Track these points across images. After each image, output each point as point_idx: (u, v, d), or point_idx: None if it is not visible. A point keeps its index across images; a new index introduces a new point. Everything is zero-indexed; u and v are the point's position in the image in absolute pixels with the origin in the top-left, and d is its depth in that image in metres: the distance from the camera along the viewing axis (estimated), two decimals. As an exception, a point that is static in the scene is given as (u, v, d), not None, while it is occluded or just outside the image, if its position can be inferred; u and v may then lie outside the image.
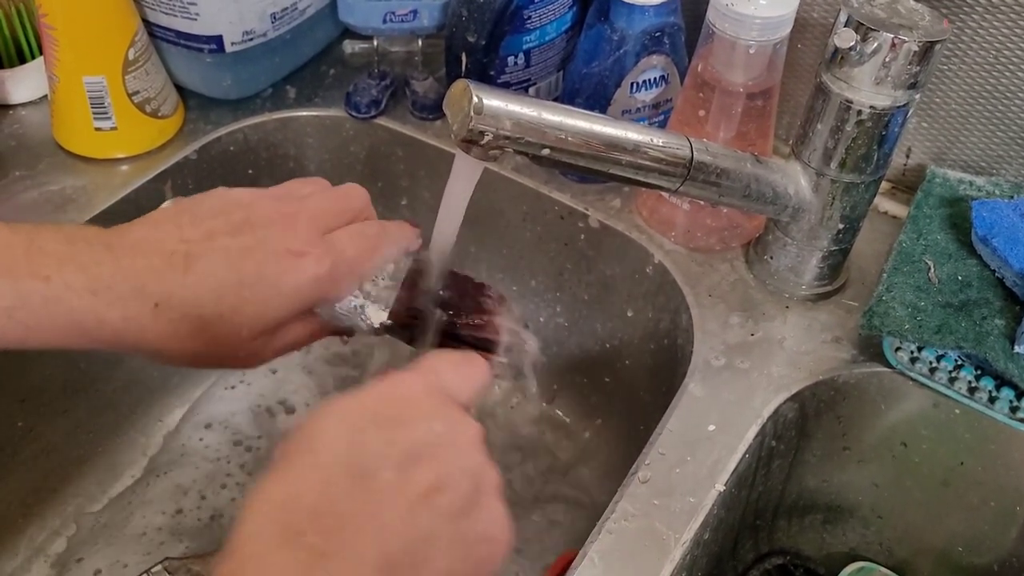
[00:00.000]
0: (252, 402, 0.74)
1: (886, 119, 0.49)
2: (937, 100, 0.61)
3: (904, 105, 0.49)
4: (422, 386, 0.35)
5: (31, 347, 0.40)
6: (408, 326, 0.44)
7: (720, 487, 0.49)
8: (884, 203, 0.65)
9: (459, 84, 0.40)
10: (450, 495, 0.32)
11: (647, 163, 0.45)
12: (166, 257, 0.39)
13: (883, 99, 0.48)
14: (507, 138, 0.40)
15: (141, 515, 0.67)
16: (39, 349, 0.40)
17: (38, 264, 0.38)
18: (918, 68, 0.47)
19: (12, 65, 0.68)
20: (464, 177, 0.43)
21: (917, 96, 0.49)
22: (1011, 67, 0.57)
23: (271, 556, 0.29)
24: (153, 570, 0.62)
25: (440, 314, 0.44)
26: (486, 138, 0.40)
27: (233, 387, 0.75)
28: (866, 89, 0.48)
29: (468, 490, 0.33)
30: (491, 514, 0.35)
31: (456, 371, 0.37)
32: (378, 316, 0.43)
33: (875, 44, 0.47)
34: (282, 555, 0.29)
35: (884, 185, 0.66)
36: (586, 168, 0.44)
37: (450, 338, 0.45)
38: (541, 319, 0.73)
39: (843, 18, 0.47)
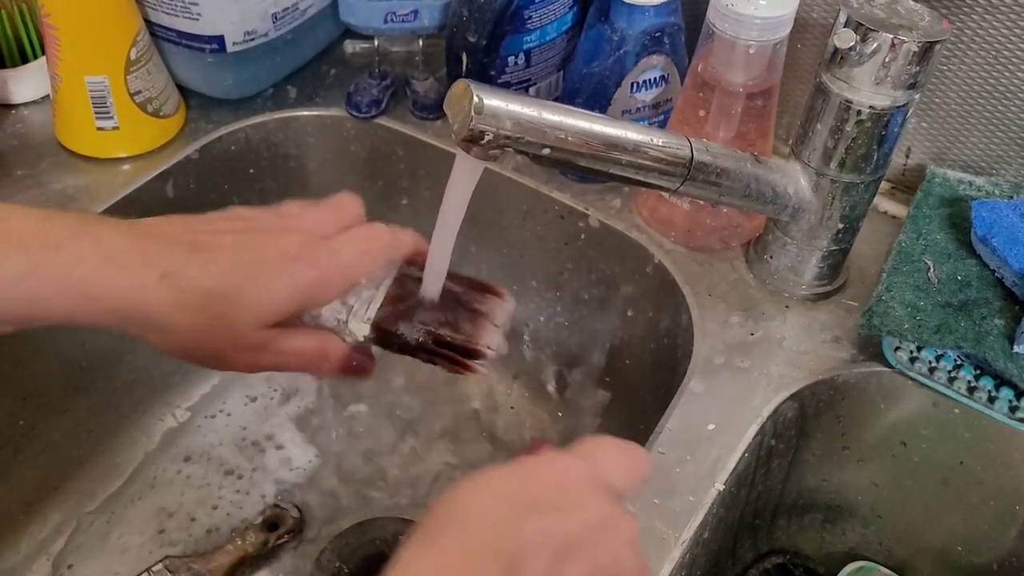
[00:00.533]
0: (235, 434, 0.74)
1: (886, 119, 0.49)
2: (937, 100, 0.61)
3: (904, 105, 0.49)
4: (583, 473, 0.34)
5: (39, 321, 0.41)
6: (391, 340, 0.44)
7: (720, 486, 0.49)
8: (884, 203, 0.65)
9: (460, 84, 0.40)
10: None
11: (647, 163, 0.46)
12: (174, 240, 0.41)
13: (883, 99, 0.48)
14: (507, 138, 0.40)
15: (139, 512, 0.68)
16: (46, 323, 0.41)
17: (51, 235, 0.39)
18: (917, 68, 0.47)
19: (15, 65, 0.68)
20: (464, 177, 0.43)
21: (917, 96, 0.49)
22: (1010, 67, 0.57)
23: None
24: (154, 568, 0.62)
25: (421, 328, 0.44)
26: (487, 138, 0.40)
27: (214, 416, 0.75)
28: (866, 89, 0.48)
29: None
30: None
31: (617, 460, 0.36)
32: (360, 330, 0.44)
33: (875, 44, 0.47)
34: None
35: (884, 185, 0.66)
36: (586, 168, 0.44)
37: (433, 350, 0.45)
38: (541, 319, 0.73)
39: (843, 18, 0.48)
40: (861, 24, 0.47)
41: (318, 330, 0.44)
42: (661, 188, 0.48)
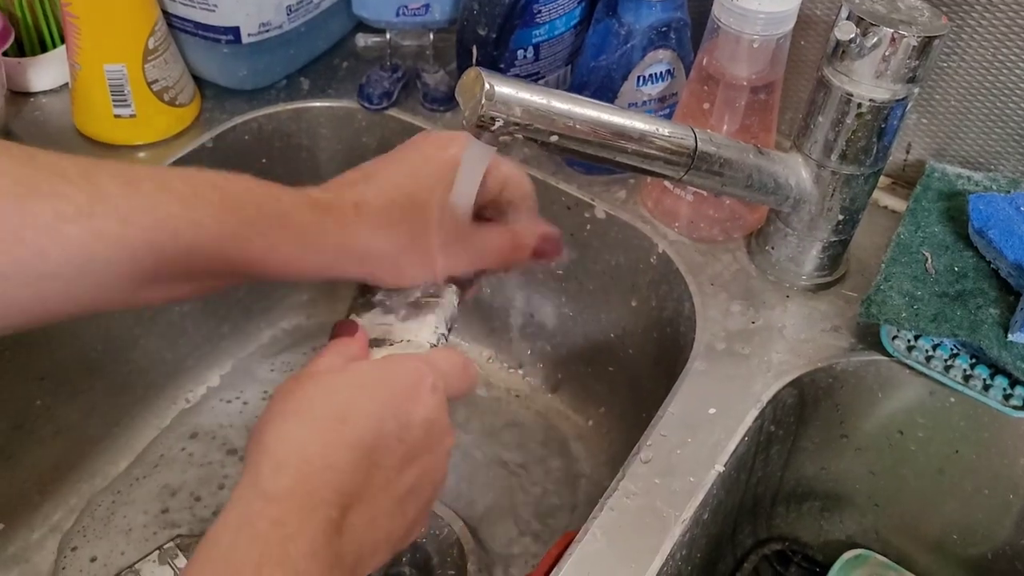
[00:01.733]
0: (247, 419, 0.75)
1: (885, 112, 0.50)
2: (937, 97, 0.63)
3: (903, 99, 0.50)
4: (430, 383, 0.39)
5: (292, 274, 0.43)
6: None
7: (719, 468, 0.50)
8: (884, 198, 0.67)
9: (471, 72, 0.41)
10: (419, 498, 0.39)
11: (652, 152, 0.47)
12: None
13: (883, 92, 0.50)
14: (517, 124, 0.42)
15: (146, 492, 0.69)
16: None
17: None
18: (917, 63, 0.49)
19: (34, 53, 0.70)
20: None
21: (916, 90, 0.51)
22: (1009, 64, 0.59)
23: (298, 516, 0.33)
24: (165, 546, 0.64)
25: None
26: (497, 124, 0.41)
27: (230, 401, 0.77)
28: (866, 83, 0.50)
29: (431, 494, 0.40)
30: (428, 508, 0.41)
31: (458, 376, 0.41)
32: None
33: (875, 38, 0.48)
34: (307, 518, 0.34)
35: (884, 180, 0.67)
36: (593, 156, 0.46)
37: None
38: (547, 309, 0.74)
39: (844, 13, 0.49)
40: (862, 19, 0.48)
41: (507, 225, 0.48)
42: (666, 177, 0.49)
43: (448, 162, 0.45)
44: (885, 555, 0.65)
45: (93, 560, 0.65)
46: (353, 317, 0.45)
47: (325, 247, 0.43)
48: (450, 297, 0.47)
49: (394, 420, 0.37)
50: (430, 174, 0.45)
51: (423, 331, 0.45)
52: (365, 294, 0.46)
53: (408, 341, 0.44)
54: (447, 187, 0.45)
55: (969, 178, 0.62)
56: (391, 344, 0.44)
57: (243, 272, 0.42)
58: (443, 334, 0.45)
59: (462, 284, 0.48)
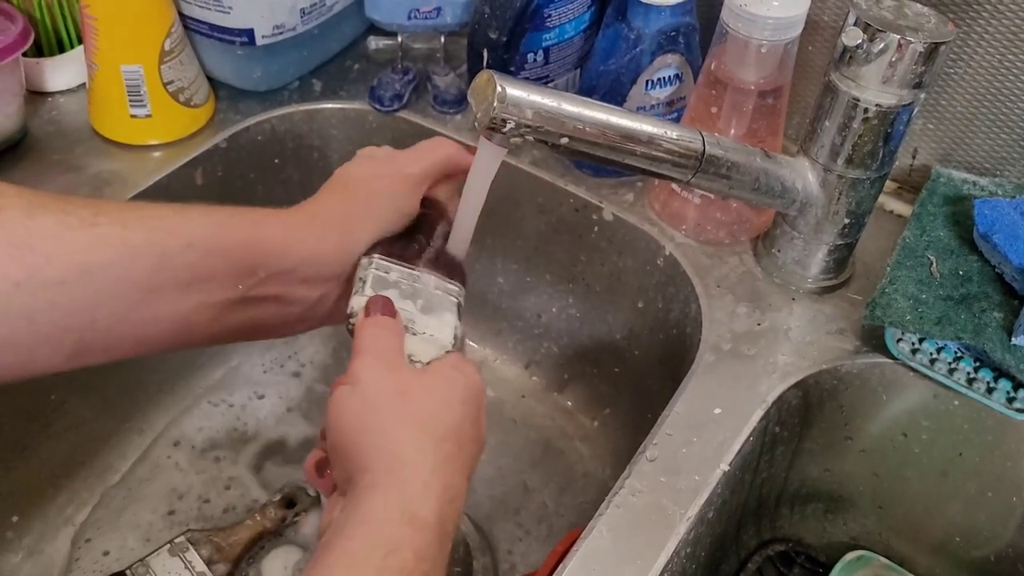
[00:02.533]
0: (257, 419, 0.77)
1: (892, 117, 0.51)
2: (943, 102, 0.63)
3: (909, 104, 0.51)
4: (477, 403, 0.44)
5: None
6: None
7: (724, 467, 0.51)
8: (890, 202, 0.67)
9: (484, 74, 0.42)
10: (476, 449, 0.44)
11: (661, 155, 0.48)
12: None
13: (889, 97, 0.50)
14: (528, 126, 0.43)
15: (155, 489, 0.70)
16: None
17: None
18: (923, 68, 0.49)
19: (52, 54, 0.71)
20: (486, 163, 0.46)
21: (922, 95, 0.51)
22: (1015, 71, 0.59)
23: (438, 550, 0.38)
24: (176, 540, 0.65)
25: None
26: (508, 126, 0.42)
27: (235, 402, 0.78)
28: (873, 88, 0.50)
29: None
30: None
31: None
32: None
33: (882, 44, 0.49)
34: (441, 551, 0.38)
35: (890, 185, 0.68)
36: (602, 158, 0.46)
37: None
38: (554, 309, 0.75)
39: (851, 19, 0.49)
40: (869, 25, 0.49)
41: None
42: (673, 179, 0.50)
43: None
44: (888, 557, 0.65)
45: (106, 554, 0.66)
46: (371, 293, 0.46)
47: (306, 234, 0.46)
48: (459, 296, 0.49)
49: (479, 444, 0.43)
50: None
51: (444, 330, 0.47)
52: (378, 267, 0.47)
53: (431, 336, 0.46)
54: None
55: (975, 183, 0.62)
56: (415, 334, 0.46)
57: (240, 265, 0.43)
58: (458, 334, 0.47)
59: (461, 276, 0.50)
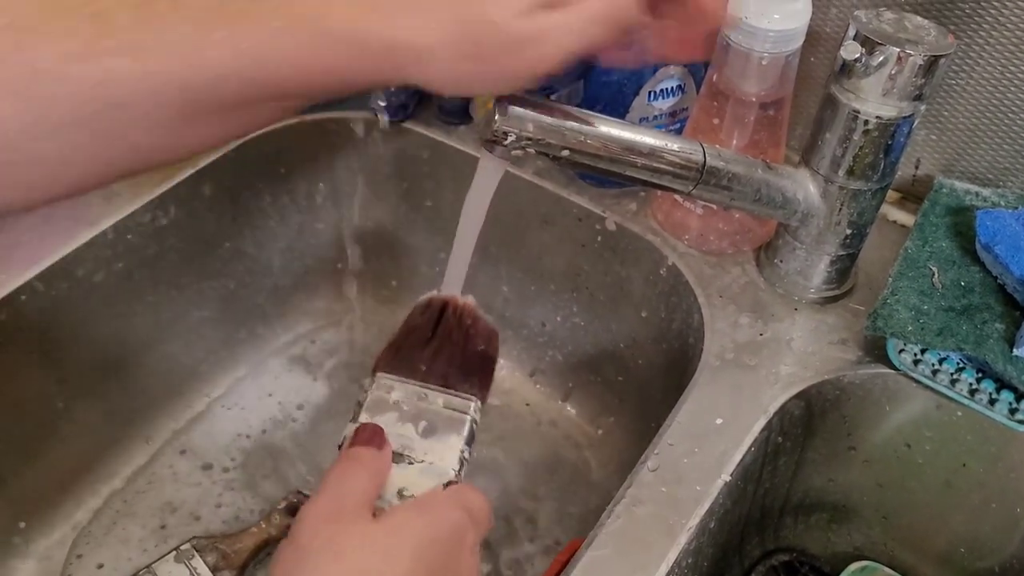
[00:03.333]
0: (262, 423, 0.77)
1: (892, 129, 0.51)
2: (945, 114, 0.63)
3: (910, 116, 0.51)
4: (471, 544, 0.40)
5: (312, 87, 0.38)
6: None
7: (726, 477, 0.51)
8: (893, 212, 0.67)
9: (486, 88, 0.43)
10: None
11: (662, 166, 0.48)
12: None
13: (889, 110, 0.51)
14: (529, 139, 0.43)
15: (167, 495, 0.71)
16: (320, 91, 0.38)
17: None
18: (923, 81, 0.49)
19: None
20: (487, 176, 0.46)
21: (922, 107, 0.51)
22: (1017, 82, 0.59)
23: None
24: (182, 547, 0.65)
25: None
26: (509, 139, 0.42)
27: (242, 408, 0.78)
28: (873, 100, 0.51)
29: None
30: None
31: (486, 521, 0.41)
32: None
33: (881, 57, 0.49)
34: None
35: (893, 195, 0.68)
36: (604, 170, 0.47)
37: None
38: (558, 319, 0.75)
39: (851, 32, 0.50)
40: (868, 38, 0.49)
41: None
42: (675, 191, 0.50)
43: None
44: (892, 568, 0.65)
45: (100, 567, 0.66)
46: (365, 419, 0.43)
47: (367, 45, 0.37)
48: (473, 413, 0.45)
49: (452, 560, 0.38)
50: None
51: (447, 455, 0.42)
52: (379, 386, 0.44)
53: (431, 464, 0.42)
54: None
55: (977, 194, 0.63)
56: (411, 463, 0.42)
57: (276, 88, 0.36)
58: (466, 458, 0.43)
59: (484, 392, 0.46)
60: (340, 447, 0.42)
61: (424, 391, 0.44)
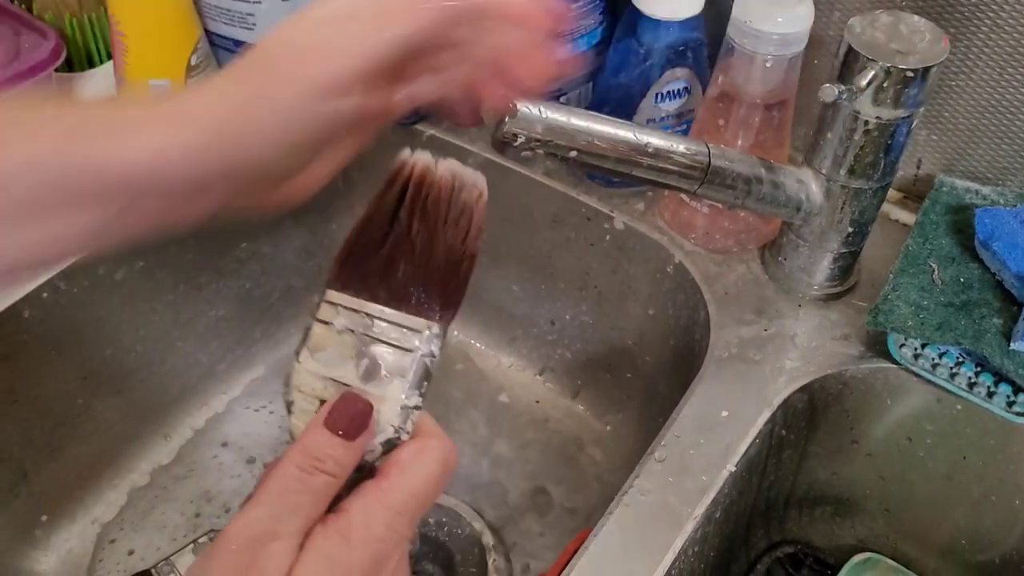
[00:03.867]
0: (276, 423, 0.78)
1: (891, 129, 0.52)
2: (946, 114, 0.65)
3: (908, 117, 0.52)
4: (393, 566, 0.35)
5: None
6: None
7: (731, 468, 0.52)
8: (895, 211, 0.69)
9: (497, 89, 0.44)
10: None
11: (668, 166, 0.49)
12: None
13: (888, 112, 0.52)
14: (538, 140, 0.44)
15: (183, 492, 0.72)
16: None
17: None
18: (916, 90, 0.51)
19: (83, 70, 0.73)
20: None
21: (920, 109, 0.53)
22: (1015, 83, 0.61)
23: None
24: (200, 540, 0.67)
25: None
26: (519, 140, 0.44)
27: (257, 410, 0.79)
28: (871, 104, 0.52)
29: None
30: None
31: (434, 490, 0.36)
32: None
33: (871, 74, 0.50)
34: None
35: (895, 194, 0.69)
36: (612, 170, 0.48)
37: None
38: (567, 316, 0.77)
39: (843, 49, 0.51)
40: (859, 54, 0.50)
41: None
42: (681, 190, 0.52)
43: None
44: (895, 559, 0.67)
45: (131, 553, 0.68)
46: (305, 359, 0.36)
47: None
48: (424, 344, 0.36)
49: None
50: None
51: (385, 408, 0.35)
52: (324, 312, 0.37)
53: None
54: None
55: (977, 192, 0.64)
56: None
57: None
58: (411, 407, 0.35)
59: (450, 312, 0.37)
60: (288, 405, 0.35)
61: (371, 315, 0.36)
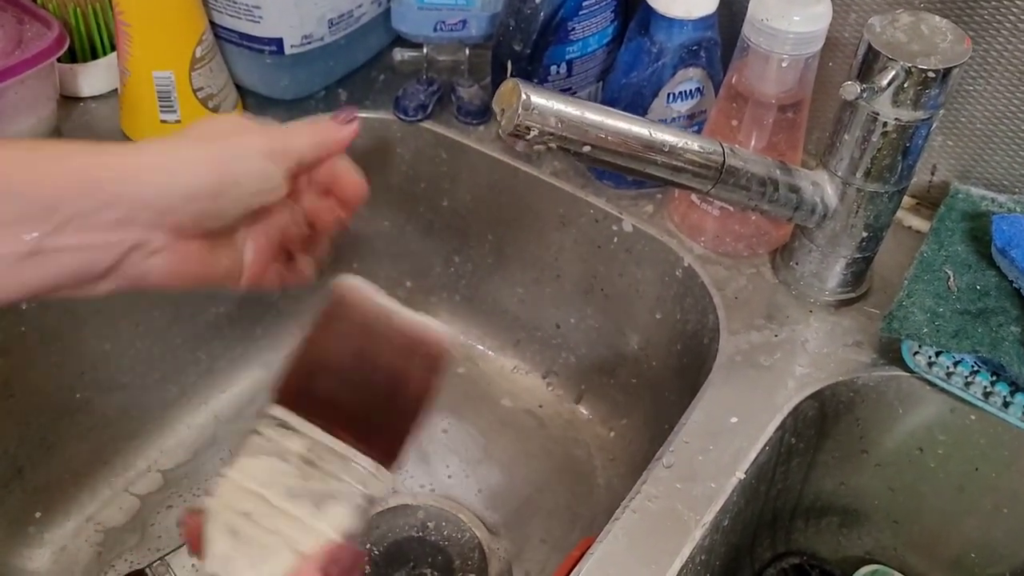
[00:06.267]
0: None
1: (911, 131, 0.51)
2: (963, 119, 0.64)
3: (928, 119, 0.51)
4: None
5: None
6: None
7: (740, 475, 0.51)
8: (908, 218, 0.67)
9: (509, 82, 0.43)
10: None
11: (682, 164, 0.48)
12: None
13: (907, 113, 0.51)
14: (551, 134, 0.43)
15: (188, 487, 0.71)
16: None
17: None
18: (937, 91, 0.50)
19: (86, 60, 0.72)
20: None
21: (940, 111, 0.52)
22: (1034, 89, 0.60)
23: None
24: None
25: None
26: (532, 133, 0.43)
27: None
28: (890, 105, 0.51)
29: None
30: None
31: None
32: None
33: (892, 74, 0.49)
34: None
35: (909, 201, 0.68)
36: (624, 167, 0.47)
37: None
38: (572, 320, 0.76)
39: (863, 48, 0.50)
40: (880, 53, 0.49)
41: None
42: (694, 189, 0.51)
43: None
44: (903, 572, 0.65)
45: (126, 551, 0.67)
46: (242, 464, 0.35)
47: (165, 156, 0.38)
48: (375, 490, 0.35)
49: None
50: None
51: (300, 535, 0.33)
52: (263, 427, 0.36)
53: (271, 543, 0.33)
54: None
55: (993, 200, 0.63)
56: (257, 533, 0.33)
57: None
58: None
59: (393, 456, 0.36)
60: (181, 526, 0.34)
61: (319, 445, 0.35)
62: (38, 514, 0.67)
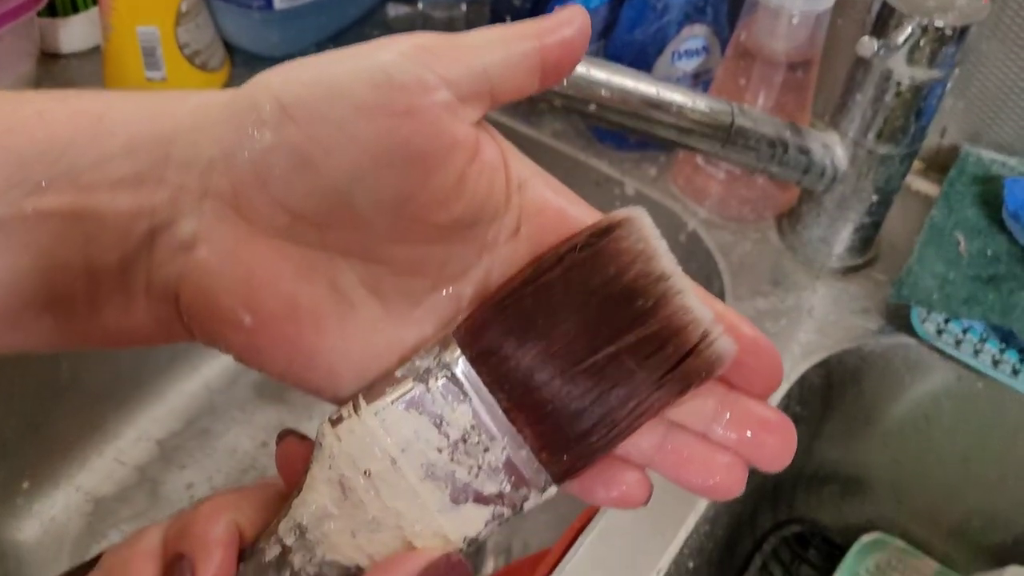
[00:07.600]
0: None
1: (925, 91, 0.50)
2: (974, 82, 0.62)
3: (943, 78, 0.50)
4: None
5: None
6: None
7: (746, 444, 0.50)
8: (917, 182, 0.66)
9: (512, 37, 0.41)
10: None
11: (689, 125, 0.47)
12: None
13: (922, 72, 0.49)
14: (555, 92, 0.42)
15: (181, 460, 0.70)
16: None
17: None
18: (953, 49, 0.48)
19: (67, 15, 0.70)
20: None
21: (956, 71, 0.50)
22: (1050, 48, 0.58)
23: None
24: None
25: None
26: (536, 91, 0.41)
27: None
28: (905, 62, 0.49)
29: None
30: None
31: None
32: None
33: (908, 31, 0.47)
34: None
35: (917, 165, 0.67)
36: (630, 127, 0.45)
37: None
38: (571, 286, 0.74)
39: (877, 5, 0.48)
40: (895, 9, 0.47)
41: None
42: (701, 151, 0.49)
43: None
44: (904, 539, 0.65)
45: (118, 524, 0.66)
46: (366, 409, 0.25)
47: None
48: (528, 496, 0.27)
49: None
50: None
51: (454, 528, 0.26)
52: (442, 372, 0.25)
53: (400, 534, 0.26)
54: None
55: (1004, 163, 0.61)
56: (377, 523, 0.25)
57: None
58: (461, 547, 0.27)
59: None
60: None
61: (490, 432, 0.25)
62: (25, 484, 0.66)
